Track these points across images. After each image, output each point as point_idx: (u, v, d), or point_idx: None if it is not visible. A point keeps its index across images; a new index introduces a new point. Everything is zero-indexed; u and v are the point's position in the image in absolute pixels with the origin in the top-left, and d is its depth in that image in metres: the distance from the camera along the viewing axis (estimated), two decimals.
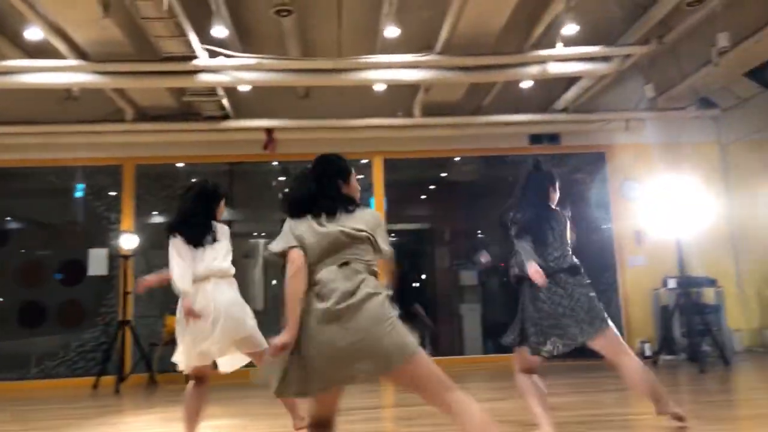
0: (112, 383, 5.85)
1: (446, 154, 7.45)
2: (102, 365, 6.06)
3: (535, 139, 7.18)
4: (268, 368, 2.18)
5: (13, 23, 4.78)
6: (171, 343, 6.14)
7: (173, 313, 6.28)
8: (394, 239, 2.86)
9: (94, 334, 6.62)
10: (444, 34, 4.90)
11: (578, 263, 3.01)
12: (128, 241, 6.20)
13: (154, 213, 6.97)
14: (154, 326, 6.63)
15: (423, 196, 9.35)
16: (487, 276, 8.78)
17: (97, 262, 6.61)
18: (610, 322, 2.95)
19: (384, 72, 5.29)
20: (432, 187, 9.16)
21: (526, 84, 6.25)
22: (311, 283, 2.12)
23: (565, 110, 6.76)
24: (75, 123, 6.31)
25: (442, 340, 8.41)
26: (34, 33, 4.59)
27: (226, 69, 5.04)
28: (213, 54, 4.92)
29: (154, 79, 5.06)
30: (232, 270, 3.36)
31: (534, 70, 5.31)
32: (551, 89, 6.68)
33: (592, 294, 2.96)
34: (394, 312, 2.10)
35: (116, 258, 6.54)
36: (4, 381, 6.37)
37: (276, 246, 2.17)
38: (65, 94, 6.48)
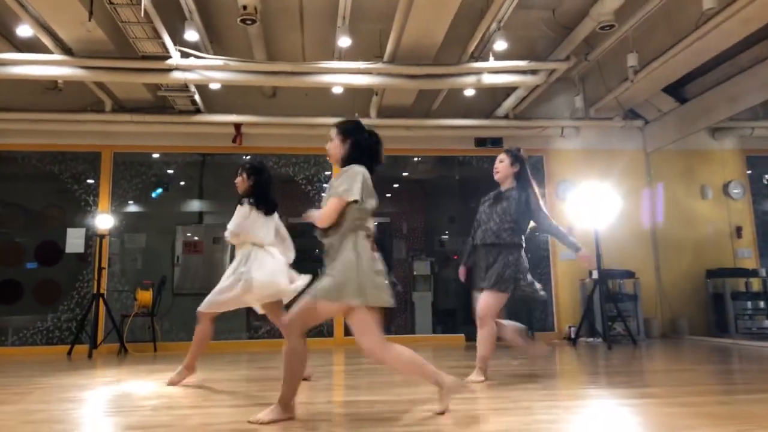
0: (86, 351, 6.45)
1: (401, 153, 8.15)
2: (76, 334, 6.64)
3: (480, 142, 7.93)
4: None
5: (6, 21, 5.36)
6: (141, 315, 6.81)
7: (144, 287, 6.94)
8: None
9: (69, 306, 7.19)
10: (390, 45, 5.62)
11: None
12: (104, 221, 6.79)
13: (128, 198, 7.57)
14: (126, 299, 7.23)
15: (386, 194, 10.08)
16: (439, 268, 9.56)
17: (74, 241, 7.18)
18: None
19: (339, 77, 5.98)
20: (393, 184, 9.90)
21: (468, 92, 7.00)
22: (364, 227, 2.84)
23: (506, 117, 7.52)
24: (58, 112, 6.90)
25: (397, 322, 9.19)
26: (24, 30, 5.19)
27: (197, 68, 5.69)
28: (185, 54, 5.57)
29: (131, 75, 5.68)
30: None
31: (470, 79, 6.05)
32: (493, 97, 7.45)
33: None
34: None
35: (92, 237, 7.14)
36: None
37: (356, 193, 2.78)
38: (50, 85, 7.08)
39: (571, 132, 7.81)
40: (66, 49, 5.50)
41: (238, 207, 4.13)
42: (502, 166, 4.22)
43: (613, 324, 6.76)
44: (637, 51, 6.02)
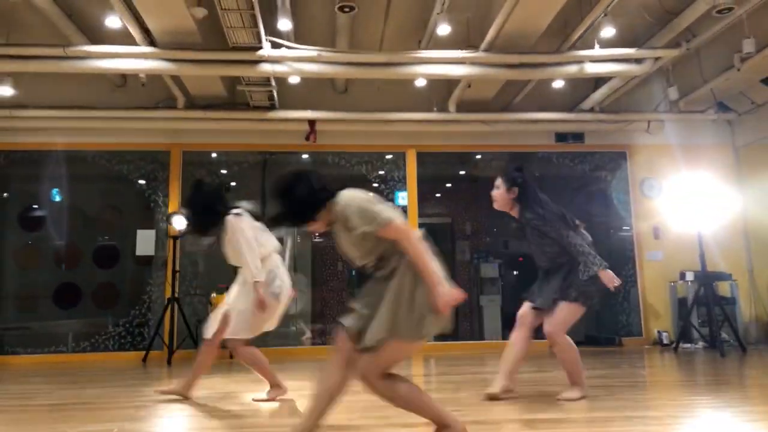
0: (160, 357, 6.17)
1: (476, 149, 7.82)
2: (151, 340, 6.35)
3: (561, 137, 7.56)
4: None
5: (93, 13, 5.10)
6: None
7: (220, 291, 6.66)
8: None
9: (141, 311, 6.93)
10: (491, 32, 5.27)
11: None
12: (178, 223, 6.51)
13: None
14: (198, 304, 6.96)
15: (450, 192, 9.77)
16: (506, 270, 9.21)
17: (144, 243, 6.92)
18: None
19: (432, 67, 5.65)
20: (457, 182, 9.57)
21: (556, 84, 6.63)
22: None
23: (591, 110, 7.14)
24: (128, 109, 6.64)
25: (463, 328, 8.88)
26: (113, 21, 4.93)
27: (287, 60, 5.39)
28: (276, 45, 5.27)
29: (218, 67, 5.40)
30: None
31: (572, 69, 5.69)
32: (578, 89, 7.08)
33: None
34: None
35: (162, 238, 6.87)
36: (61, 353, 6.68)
37: (390, 215, 2.31)
38: (119, 82, 6.84)
39: (657, 126, 7.41)
40: (151, 41, 5.23)
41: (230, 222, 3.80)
42: (498, 194, 3.73)
43: (719, 330, 6.34)
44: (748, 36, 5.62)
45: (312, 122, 6.98)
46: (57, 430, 2.96)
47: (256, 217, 4.10)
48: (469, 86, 6.26)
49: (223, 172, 7.59)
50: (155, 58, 5.30)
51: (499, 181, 3.72)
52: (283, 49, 5.25)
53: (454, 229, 9.87)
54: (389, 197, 7.48)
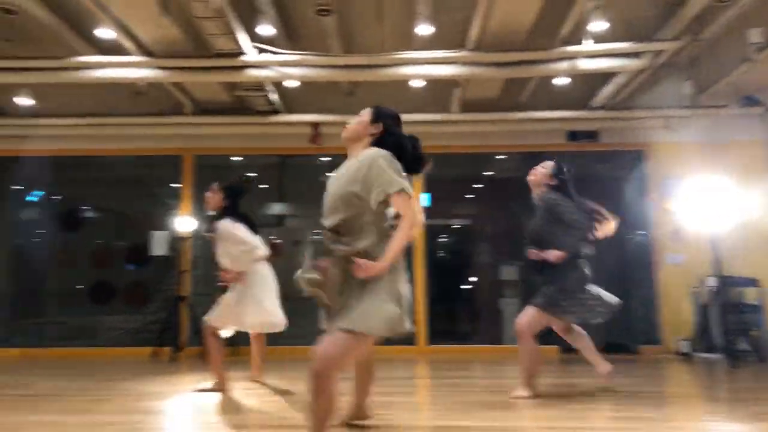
0: (169, 354, 6.44)
1: (485, 150, 7.66)
2: (159, 337, 6.63)
3: (573, 136, 7.29)
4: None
5: (88, 23, 5.36)
6: None
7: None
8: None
9: (155, 308, 7.26)
10: (475, 31, 5.17)
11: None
12: (186, 224, 6.77)
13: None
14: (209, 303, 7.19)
15: (467, 193, 9.59)
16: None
17: (159, 244, 7.22)
18: None
19: (419, 68, 5.60)
20: (475, 184, 9.39)
21: (562, 81, 6.40)
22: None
23: (602, 107, 6.85)
24: (141, 116, 6.96)
25: (483, 332, 8.71)
26: (105, 32, 5.18)
27: (272, 65, 5.49)
28: (261, 51, 5.38)
29: (206, 74, 5.57)
30: None
31: (563, 66, 5.49)
32: (589, 86, 6.80)
33: None
34: None
35: (176, 240, 7.16)
36: (79, 347, 7.10)
37: (402, 184, 2.28)
38: (137, 89, 7.17)
39: (677, 123, 7.00)
40: (147, 51, 5.46)
41: (232, 225, 4.28)
42: (541, 172, 4.44)
43: (737, 338, 5.92)
44: (760, 26, 5.23)
45: (315, 125, 7.06)
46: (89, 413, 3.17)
47: (254, 228, 4.36)
48: (464, 87, 6.14)
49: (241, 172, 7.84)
50: (149, 67, 5.53)
51: (547, 163, 4.36)
52: (267, 54, 5.35)
53: (473, 231, 9.70)
54: None
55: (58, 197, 8.12)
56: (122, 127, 7.06)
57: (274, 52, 5.36)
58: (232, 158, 7.69)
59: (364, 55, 5.63)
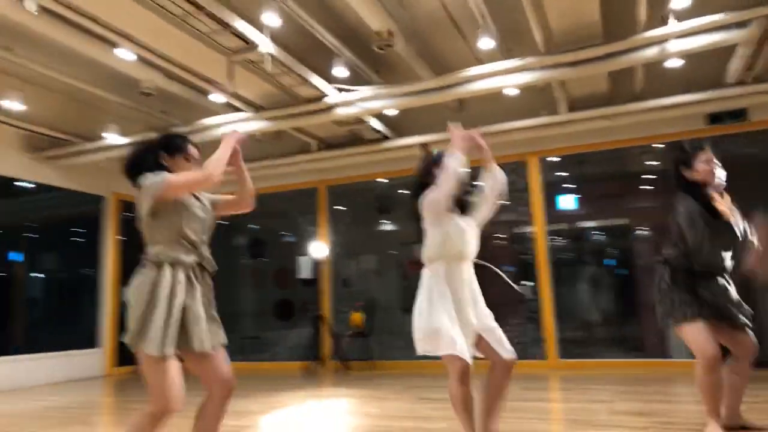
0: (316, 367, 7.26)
1: (607, 147, 7.06)
2: (307, 353, 7.47)
3: (715, 118, 6.34)
4: None
5: (204, 91, 6.38)
6: (355, 336, 7.29)
7: (356, 309, 7.43)
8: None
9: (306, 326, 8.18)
10: (537, 35, 4.96)
11: None
12: (319, 250, 7.52)
13: (345, 225, 8.27)
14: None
15: (623, 190, 8.84)
16: None
17: (304, 268, 8.11)
18: None
19: (484, 82, 5.51)
20: (630, 180, 8.60)
21: (673, 63, 5.65)
22: None
23: (741, 83, 5.86)
24: (278, 157, 7.93)
25: (647, 340, 7.91)
26: (217, 98, 6.14)
27: (355, 102, 5.90)
28: (340, 90, 5.84)
29: (302, 119, 6.22)
30: None
31: (652, 51, 4.91)
32: (711, 63, 5.88)
33: None
34: None
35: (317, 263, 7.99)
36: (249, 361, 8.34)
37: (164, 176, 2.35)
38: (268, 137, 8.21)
39: None
40: (255, 106, 6.32)
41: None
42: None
43: None
44: None
45: (424, 145, 7.25)
46: None
47: None
48: (562, 87, 5.83)
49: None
50: (258, 119, 6.36)
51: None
52: (343, 93, 5.78)
53: (631, 231, 8.84)
54: (518, 208, 7.32)
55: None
56: (267, 168, 8.11)
57: (348, 90, 5.75)
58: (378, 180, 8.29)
59: (432, 79, 5.72)
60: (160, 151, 2.46)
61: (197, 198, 2.52)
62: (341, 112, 6.01)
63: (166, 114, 7.31)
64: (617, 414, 3.97)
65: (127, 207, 8.47)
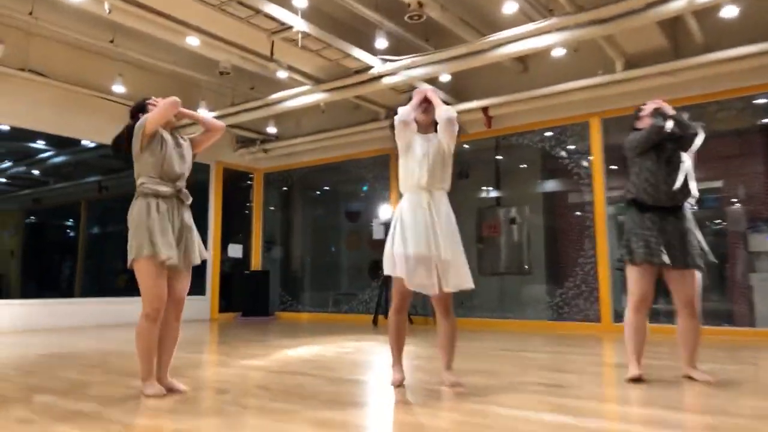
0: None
1: (683, 103, 6.61)
2: (376, 308, 8.09)
3: None
4: None
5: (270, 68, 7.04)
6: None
7: None
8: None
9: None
10: None
11: None
12: (388, 214, 8.00)
13: None
14: None
15: (715, 150, 8.18)
16: None
17: (376, 230, 8.68)
18: None
19: (519, 44, 5.53)
20: (722, 138, 7.95)
21: (729, 12, 5.24)
22: None
23: None
24: (354, 125, 8.47)
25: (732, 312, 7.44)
26: (282, 73, 6.77)
27: (400, 70, 6.22)
28: (385, 61, 6.18)
29: (352, 90, 6.68)
30: None
31: (679, 3, 4.67)
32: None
33: None
34: None
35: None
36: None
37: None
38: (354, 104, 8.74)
39: None
40: (315, 79, 6.88)
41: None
42: None
43: None
44: None
45: (485, 109, 7.38)
46: None
47: None
48: (611, 43, 5.66)
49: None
50: (316, 92, 6.93)
51: None
52: (387, 63, 6.12)
53: (723, 195, 8.18)
54: (578, 170, 7.21)
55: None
56: (345, 136, 8.71)
57: (390, 60, 6.08)
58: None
59: (459, 45, 5.83)
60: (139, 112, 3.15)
61: (177, 140, 3.12)
62: (387, 81, 6.37)
63: (253, 90, 8.16)
64: None
65: (229, 174, 9.62)
